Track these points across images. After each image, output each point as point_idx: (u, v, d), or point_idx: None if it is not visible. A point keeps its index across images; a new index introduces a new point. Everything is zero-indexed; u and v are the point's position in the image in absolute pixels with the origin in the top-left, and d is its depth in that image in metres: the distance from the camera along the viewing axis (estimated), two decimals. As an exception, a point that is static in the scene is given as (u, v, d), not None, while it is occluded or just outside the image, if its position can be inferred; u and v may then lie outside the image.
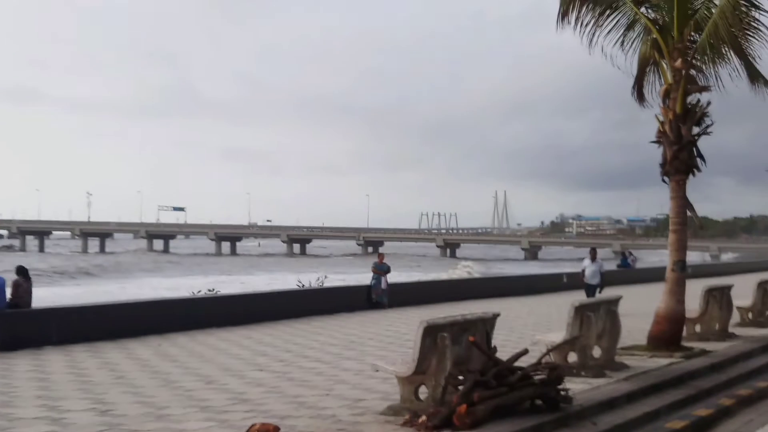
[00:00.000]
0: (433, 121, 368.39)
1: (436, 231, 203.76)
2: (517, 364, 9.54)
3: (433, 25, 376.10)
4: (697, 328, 16.34)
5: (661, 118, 14.34)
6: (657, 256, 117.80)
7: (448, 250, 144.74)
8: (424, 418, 8.40)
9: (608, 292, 32.62)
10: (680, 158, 14.01)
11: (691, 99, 14.29)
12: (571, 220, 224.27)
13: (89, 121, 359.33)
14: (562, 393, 9.50)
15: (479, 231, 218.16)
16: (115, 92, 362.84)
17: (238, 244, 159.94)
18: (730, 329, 17.40)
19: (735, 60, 14.45)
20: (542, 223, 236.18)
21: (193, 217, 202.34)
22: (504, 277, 40.74)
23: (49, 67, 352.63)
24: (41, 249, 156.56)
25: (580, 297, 21.78)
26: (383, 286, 24.65)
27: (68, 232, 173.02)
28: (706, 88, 14.28)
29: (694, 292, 16.28)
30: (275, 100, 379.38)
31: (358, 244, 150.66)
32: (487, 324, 9.91)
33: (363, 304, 24.40)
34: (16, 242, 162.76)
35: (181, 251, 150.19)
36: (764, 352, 15.37)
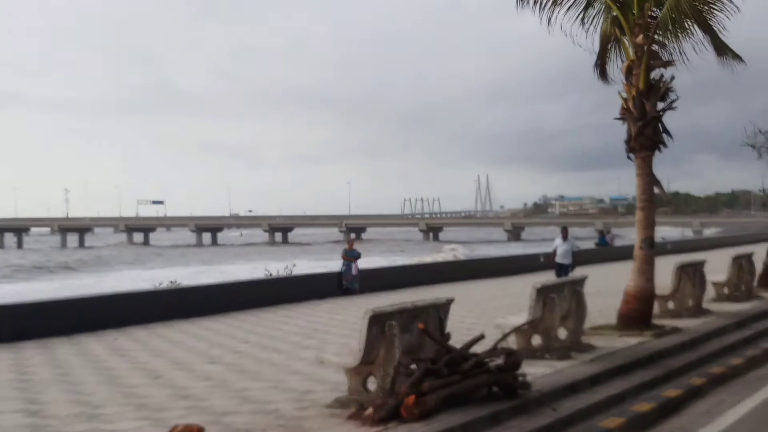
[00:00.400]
0: (411, 109, 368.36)
1: (419, 216, 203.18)
2: (475, 350, 9.05)
3: (410, 16, 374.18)
4: (670, 305, 15.91)
5: (625, 95, 13.85)
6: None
7: (431, 234, 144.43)
8: (370, 410, 7.88)
9: (585, 271, 32.44)
10: (645, 134, 13.53)
11: (655, 75, 13.82)
12: (553, 201, 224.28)
13: (66, 120, 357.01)
14: (520, 379, 9.01)
15: (462, 214, 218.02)
16: (92, 91, 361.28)
17: (219, 234, 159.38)
18: (705, 305, 16.99)
19: (699, 33, 14.00)
20: (525, 204, 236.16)
21: (173, 210, 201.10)
22: (480, 259, 40.17)
23: (24, 68, 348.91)
24: (20, 245, 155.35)
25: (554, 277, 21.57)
26: (354, 272, 24.12)
27: (47, 229, 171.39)
28: (669, 63, 13.82)
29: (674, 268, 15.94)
30: (252, 94, 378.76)
31: (341, 231, 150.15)
32: (440, 310, 9.40)
33: (334, 291, 23.89)
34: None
35: (161, 243, 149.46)
36: (738, 327, 14.95)
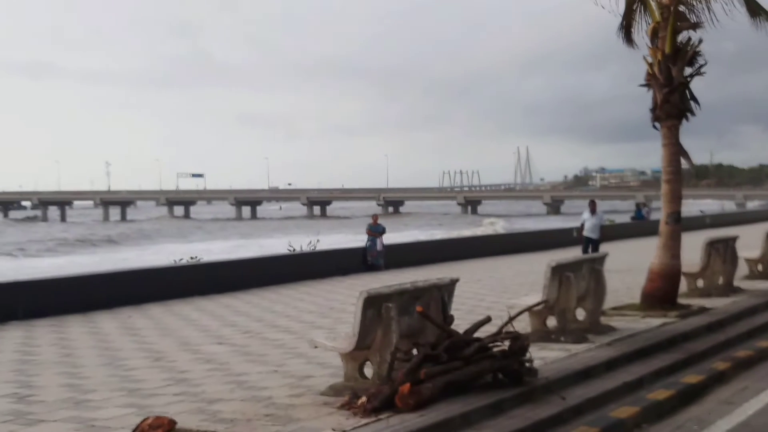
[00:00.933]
0: (448, 80, 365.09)
1: (457, 189, 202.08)
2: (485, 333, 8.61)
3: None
4: (699, 283, 15.28)
5: (650, 60, 13.18)
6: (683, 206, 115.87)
7: (469, 208, 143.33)
8: (363, 399, 7.47)
9: (619, 246, 31.75)
10: (671, 101, 12.88)
11: (682, 38, 13.11)
12: (594, 174, 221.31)
13: (105, 93, 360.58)
14: (527, 365, 8.54)
15: (502, 187, 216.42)
16: (131, 64, 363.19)
17: (258, 208, 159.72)
18: (737, 283, 16.34)
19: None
20: (565, 177, 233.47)
21: (212, 183, 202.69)
22: (512, 233, 39.52)
23: (64, 42, 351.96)
24: (63, 219, 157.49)
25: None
26: (378, 247, 23.76)
27: (90, 202, 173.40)
28: (697, 25, 13.11)
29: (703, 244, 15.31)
30: (289, 64, 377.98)
31: (379, 204, 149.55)
32: (443, 291, 8.94)
33: (358, 267, 23.56)
34: (39, 213, 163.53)
35: (202, 217, 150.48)
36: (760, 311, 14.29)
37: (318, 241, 26.66)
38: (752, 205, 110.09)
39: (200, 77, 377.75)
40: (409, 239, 37.57)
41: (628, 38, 14.13)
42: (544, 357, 9.77)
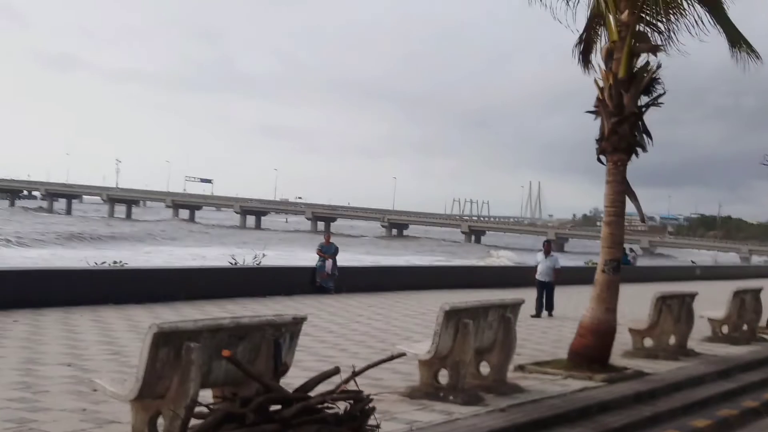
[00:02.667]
0: (471, 109, 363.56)
1: (466, 217, 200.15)
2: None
3: (478, 13, 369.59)
4: (647, 342, 13.53)
5: (602, 84, 11.52)
6: (687, 255, 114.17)
7: (473, 237, 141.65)
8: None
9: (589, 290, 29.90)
10: (620, 133, 11.23)
11: (641, 62, 11.47)
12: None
13: (125, 91, 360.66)
14: (370, 432, 6.85)
15: (511, 220, 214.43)
16: (153, 65, 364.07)
17: (263, 218, 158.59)
18: (694, 345, 14.61)
19: (707, 18, 11.62)
20: (574, 215, 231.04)
21: (221, 189, 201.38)
22: (493, 267, 37.54)
23: (94, 37, 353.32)
24: (68, 212, 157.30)
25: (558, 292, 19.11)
26: (328, 270, 22.08)
27: (98, 197, 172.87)
28: (657, 48, 11.49)
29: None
30: (313, 81, 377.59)
31: (383, 226, 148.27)
32: (281, 331, 7.25)
33: (306, 288, 21.92)
34: (45, 204, 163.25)
35: (206, 222, 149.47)
36: (721, 377, 12.51)
37: (264, 255, 25.01)
38: (757, 260, 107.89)
39: (221, 84, 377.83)
40: (365, 263, 35.87)
41: (586, 60, 12.48)
42: (414, 421, 8.09)
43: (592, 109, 11.61)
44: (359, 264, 32.61)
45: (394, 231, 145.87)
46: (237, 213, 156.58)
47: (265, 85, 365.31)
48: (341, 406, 6.84)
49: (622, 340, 13.93)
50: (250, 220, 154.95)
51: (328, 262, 22.14)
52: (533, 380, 10.69)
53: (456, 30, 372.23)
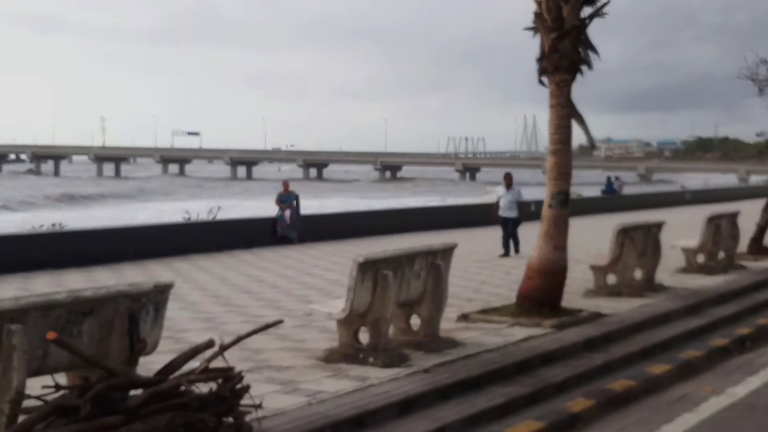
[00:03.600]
0: (458, 43, 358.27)
1: (461, 154, 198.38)
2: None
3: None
4: (610, 279, 12.46)
5: (539, -6, 10.26)
6: (686, 179, 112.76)
7: (467, 174, 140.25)
8: None
9: (581, 222, 28.79)
10: (561, 50, 10.01)
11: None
12: (599, 143, 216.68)
13: (108, 48, 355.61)
14: (247, 417, 5.81)
15: (507, 155, 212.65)
16: (136, 20, 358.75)
17: (254, 168, 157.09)
18: (668, 278, 13.60)
19: None
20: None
21: (209, 142, 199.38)
22: (453, 206, 35.86)
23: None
24: (56, 173, 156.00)
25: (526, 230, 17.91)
26: (287, 219, 20.98)
27: (85, 157, 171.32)
28: (598, -51, 10.13)
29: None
30: (297, 24, 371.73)
31: (376, 169, 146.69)
32: (138, 302, 6.13)
33: (267, 239, 20.85)
34: (32, 167, 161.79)
35: (197, 176, 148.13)
36: (689, 314, 11.47)
37: (219, 208, 23.85)
38: (756, 179, 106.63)
39: (205, 34, 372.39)
40: (334, 209, 34.64)
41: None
42: (319, 391, 7.04)
43: (531, 25, 10.34)
44: (330, 210, 31.47)
45: (388, 173, 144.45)
46: (227, 164, 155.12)
47: (248, 33, 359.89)
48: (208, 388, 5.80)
49: (587, 277, 12.93)
50: (241, 171, 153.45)
51: (287, 212, 21.03)
52: (475, 331, 9.65)
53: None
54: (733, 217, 15.37)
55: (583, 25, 10.11)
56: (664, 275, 14.10)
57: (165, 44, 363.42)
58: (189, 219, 21.83)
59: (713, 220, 14.61)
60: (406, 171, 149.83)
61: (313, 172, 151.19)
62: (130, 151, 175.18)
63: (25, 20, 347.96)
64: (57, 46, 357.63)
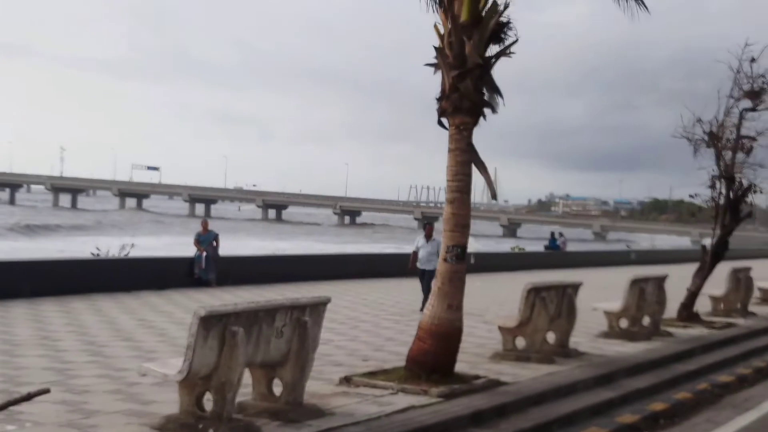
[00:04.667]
0: (428, 96, 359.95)
1: (416, 203, 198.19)
2: None
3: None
4: (520, 342, 11.50)
5: (442, 29, 9.41)
6: (640, 239, 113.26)
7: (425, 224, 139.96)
8: None
9: (515, 277, 28.00)
10: (461, 90, 9.13)
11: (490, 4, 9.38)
12: (557, 200, 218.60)
13: (77, 79, 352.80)
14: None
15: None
16: (106, 53, 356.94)
17: (213, 206, 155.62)
18: (587, 343, 12.72)
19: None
20: (529, 201, 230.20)
21: (169, 178, 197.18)
22: (395, 254, 34.22)
23: (42, 25, 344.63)
24: (12, 201, 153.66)
25: (476, 281, 16.71)
26: (203, 263, 19.86)
27: (42, 186, 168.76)
28: (506, -18, 9.32)
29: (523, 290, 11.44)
30: (269, 68, 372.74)
31: (335, 213, 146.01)
32: None
33: (183, 280, 19.69)
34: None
35: (154, 211, 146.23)
36: (600, 384, 10.51)
37: (133, 245, 22.65)
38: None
39: (173, 72, 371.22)
40: (255, 252, 33.55)
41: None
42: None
43: (433, 61, 9.47)
44: (252, 253, 30.42)
45: (347, 218, 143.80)
46: (185, 201, 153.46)
47: (218, 73, 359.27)
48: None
49: (499, 338, 11.97)
50: (200, 208, 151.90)
51: (204, 254, 19.91)
52: (354, 397, 8.60)
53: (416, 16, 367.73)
54: (659, 280, 14.56)
55: (487, 64, 9.27)
56: (583, 339, 13.22)
57: (132, 79, 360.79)
58: (98, 255, 20.58)
59: (637, 283, 13.76)
60: (365, 216, 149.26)
61: (272, 213, 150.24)
62: (88, 182, 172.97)
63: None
64: (21, 74, 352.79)
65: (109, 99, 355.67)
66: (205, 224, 20.96)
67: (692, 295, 16.29)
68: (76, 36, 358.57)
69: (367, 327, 14.34)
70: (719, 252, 16.61)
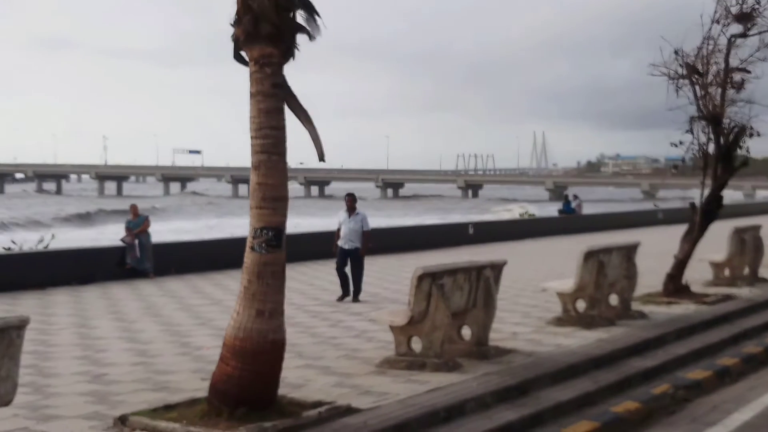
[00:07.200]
0: (474, 63, 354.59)
1: (463, 172, 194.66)
2: None
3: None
4: (416, 343, 8.85)
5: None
6: (693, 194, 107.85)
7: (470, 192, 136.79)
8: None
9: (534, 246, 25.20)
10: (256, 9, 6.47)
11: None
12: (607, 160, 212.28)
13: (121, 68, 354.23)
14: None
15: (517, 172, 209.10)
16: (149, 42, 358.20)
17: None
18: (531, 333, 10.08)
19: None
20: (578, 163, 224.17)
21: (212, 160, 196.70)
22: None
23: (84, 16, 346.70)
24: (58, 192, 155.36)
25: (452, 256, 13.84)
26: (136, 251, 17.53)
27: (87, 176, 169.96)
28: None
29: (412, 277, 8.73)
30: (311, 44, 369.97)
31: (377, 186, 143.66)
32: None
33: (115, 272, 17.40)
34: (26, 188, 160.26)
35: (201, 193, 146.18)
36: (505, 399, 7.82)
37: (53, 237, 20.34)
38: (763, 195, 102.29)
39: (216, 57, 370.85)
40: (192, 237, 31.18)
41: None
42: None
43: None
44: (197, 238, 28.23)
45: (390, 191, 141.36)
46: (228, 183, 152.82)
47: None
48: None
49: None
50: (243, 189, 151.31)
51: (136, 242, 17.56)
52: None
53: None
54: (627, 250, 11.70)
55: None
56: (526, 329, 10.56)
57: (174, 66, 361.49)
58: (10, 249, 18.36)
59: (594, 255, 10.93)
60: (407, 188, 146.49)
61: (315, 190, 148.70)
62: (132, 169, 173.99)
63: (36, 41, 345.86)
64: (62, 66, 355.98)
65: (151, 87, 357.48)
66: (134, 208, 18.55)
67: (680, 263, 13.38)
68: (117, 26, 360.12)
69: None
70: (712, 210, 13.66)
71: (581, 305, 11.14)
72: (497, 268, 9.53)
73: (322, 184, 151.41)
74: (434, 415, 7.12)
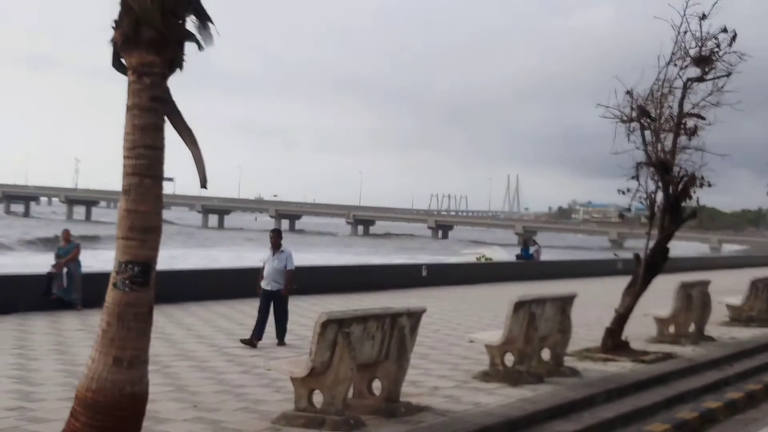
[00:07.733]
0: (454, 105, 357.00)
1: (432, 211, 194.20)
2: None
3: (457, 4, 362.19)
4: (318, 398, 8.10)
5: None
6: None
7: (440, 232, 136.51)
8: None
9: (438, 294, 24.30)
10: (138, 10, 5.83)
11: None
12: (578, 207, 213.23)
13: (95, 90, 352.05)
14: None
15: (489, 214, 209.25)
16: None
17: (226, 217, 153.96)
18: (449, 390, 9.38)
19: None
20: (549, 208, 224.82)
21: (184, 189, 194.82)
22: (319, 267, 29.17)
23: (66, 36, 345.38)
24: (26, 214, 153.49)
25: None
26: (63, 281, 16.64)
27: (56, 199, 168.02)
28: None
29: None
30: (292, 78, 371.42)
31: (348, 222, 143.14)
32: None
33: (38, 302, 16.47)
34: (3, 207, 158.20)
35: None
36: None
37: None
38: (729, 249, 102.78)
39: (197, 83, 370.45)
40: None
41: None
42: None
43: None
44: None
45: (360, 228, 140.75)
46: (198, 212, 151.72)
47: (242, 83, 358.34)
48: None
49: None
50: (213, 219, 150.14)
51: (65, 270, 16.68)
52: None
53: (437, 19, 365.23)
54: (563, 302, 11.06)
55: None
56: (448, 384, 9.84)
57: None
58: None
59: (524, 306, 10.27)
60: (379, 226, 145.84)
61: (285, 223, 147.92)
62: (101, 194, 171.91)
63: (19, 59, 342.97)
64: (43, 85, 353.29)
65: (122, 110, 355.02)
66: (66, 234, 17.68)
67: (620, 318, 12.75)
68: (98, 48, 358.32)
69: (183, 367, 10.95)
70: (657, 263, 13.08)
71: (510, 359, 10.45)
72: (414, 316, 8.85)
73: (293, 217, 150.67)
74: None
